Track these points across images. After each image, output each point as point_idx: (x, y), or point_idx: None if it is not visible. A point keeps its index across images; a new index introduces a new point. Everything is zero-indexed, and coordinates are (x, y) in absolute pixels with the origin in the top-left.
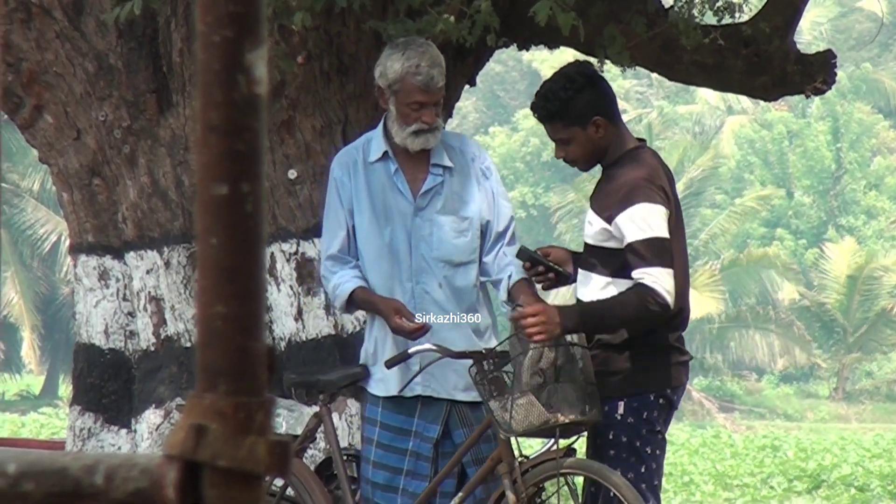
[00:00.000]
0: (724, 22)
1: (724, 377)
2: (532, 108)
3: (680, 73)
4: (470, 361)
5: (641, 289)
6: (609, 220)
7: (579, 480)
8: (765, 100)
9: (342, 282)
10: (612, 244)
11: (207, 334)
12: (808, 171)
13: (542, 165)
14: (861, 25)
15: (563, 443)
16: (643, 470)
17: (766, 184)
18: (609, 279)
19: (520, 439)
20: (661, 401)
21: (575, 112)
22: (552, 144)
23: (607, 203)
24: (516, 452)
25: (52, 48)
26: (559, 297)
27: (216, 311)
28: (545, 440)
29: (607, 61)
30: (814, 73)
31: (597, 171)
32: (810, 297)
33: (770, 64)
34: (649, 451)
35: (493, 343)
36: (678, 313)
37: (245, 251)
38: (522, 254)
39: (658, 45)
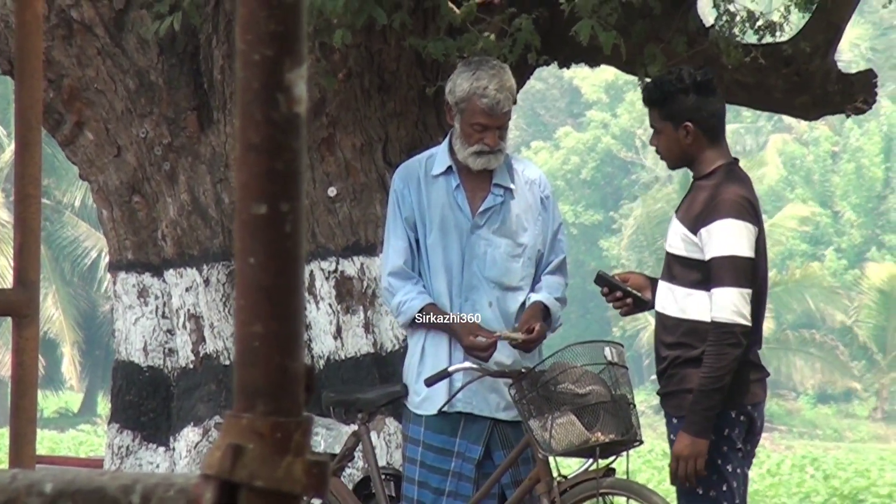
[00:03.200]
0: (764, 41)
1: None
2: (642, 89)
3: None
4: (510, 381)
5: (717, 332)
6: (695, 230)
7: (619, 501)
8: (805, 119)
9: (408, 298)
10: (695, 255)
11: (245, 353)
12: (854, 190)
13: (582, 183)
14: None
15: (602, 463)
16: (724, 488)
17: (807, 201)
18: (689, 290)
19: (559, 459)
20: (741, 417)
21: (671, 108)
22: (592, 163)
23: (695, 213)
24: (555, 472)
25: (94, 65)
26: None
27: (254, 330)
28: (584, 460)
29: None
30: (854, 93)
31: (630, 190)
32: (849, 317)
33: (811, 83)
34: (730, 469)
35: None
36: (756, 330)
37: (284, 271)
38: (600, 279)
39: (699, 63)
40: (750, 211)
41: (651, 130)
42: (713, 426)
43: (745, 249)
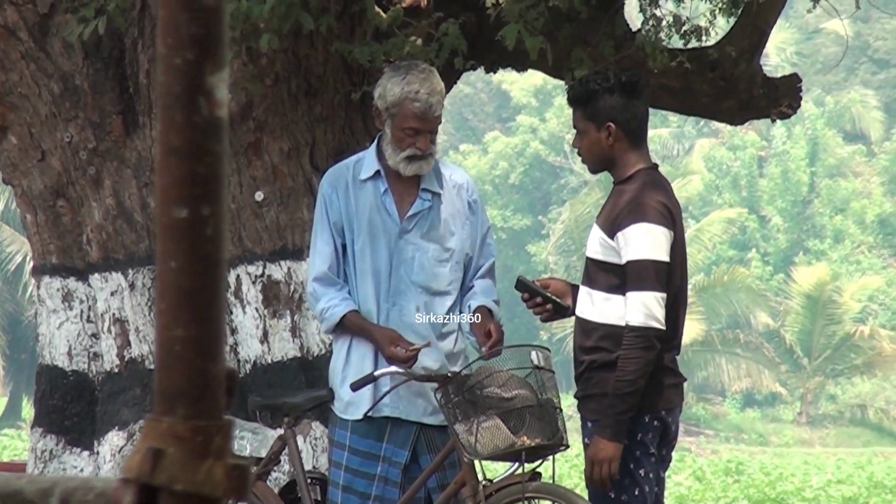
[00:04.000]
0: (690, 45)
1: (688, 401)
2: (566, 89)
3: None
4: (435, 385)
5: (631, 336)
6: (612, 234)
7: None
8: (731, 123)
9: (332, 305)
10: (612, 259)
11: (166, 357)
12: (780, 195)
13: (510, 188)
14: (827, 49)
15: (528, 467)
16: (637, 493)
17: (734, 206)
18: (607, 294)
19: (485, 463)
20: (655, 422)
21: (594, 107)
22: (521, 168)
23: (612, 218)
24: (480, 476)
25: (17, 69)
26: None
27: (175, 334)
28: (510, 464)
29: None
30: (780, 97)
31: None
32: (776, 321)
33: (736, 88)
34: (643, 473)
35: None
36: (672, 336)
37: (205, 274)
38: (520, 285)
39: (625, 68)
40: (667, 216)
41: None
42: (627, 430)
43: (661, 254)
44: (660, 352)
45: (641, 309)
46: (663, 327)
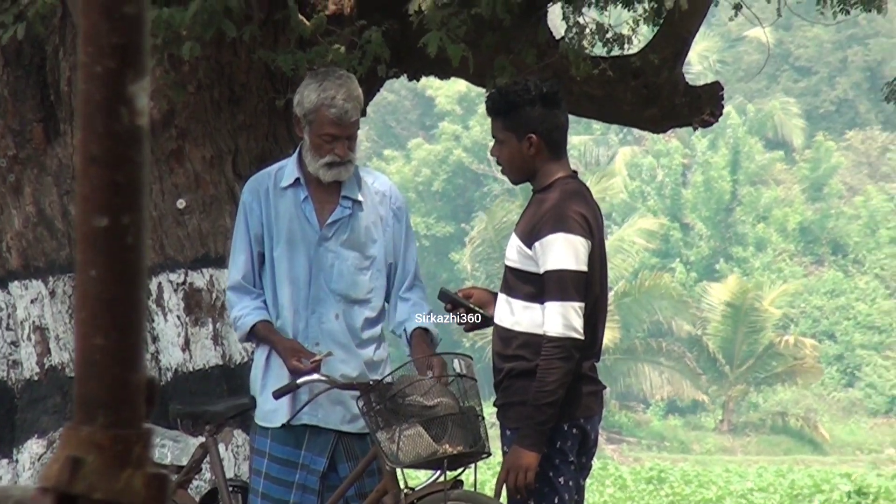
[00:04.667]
0: (613, 53)
1: (611, 408)
2: (486, 99)
3: (570, 105)
4: (357, 393)
5: (549, 346)
6: (529, 244)
7: None
8: (654, 131)
9: (244, 314)
10: (530, 268)
11: (86, 366)
12: (703, 203)
13: (433, 195)
14: (749, 57)
15: (450, 475)
16: (556, 500)
17: (657, 213)
18: (526, 303)
19: (406, 471)
20: (574, 430)
21: (516, 119)
22: (444, 175)
23: (530, 227)
24: (402, 484)
25: None
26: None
27: (95, 342)
28: (431, 472)
29: None
30: (702, 106)
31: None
32: (698, 328)
33: (659, 96)
34: (562, 482)
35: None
36: (591, 344)
37: (125, 283)
38: (443, 296)
39: (548, 75)
40: (584, 225)
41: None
42: (546, 439)
43: (579, 264)
44: (579, 360)
45: (560, 319)
46: (582, 337)
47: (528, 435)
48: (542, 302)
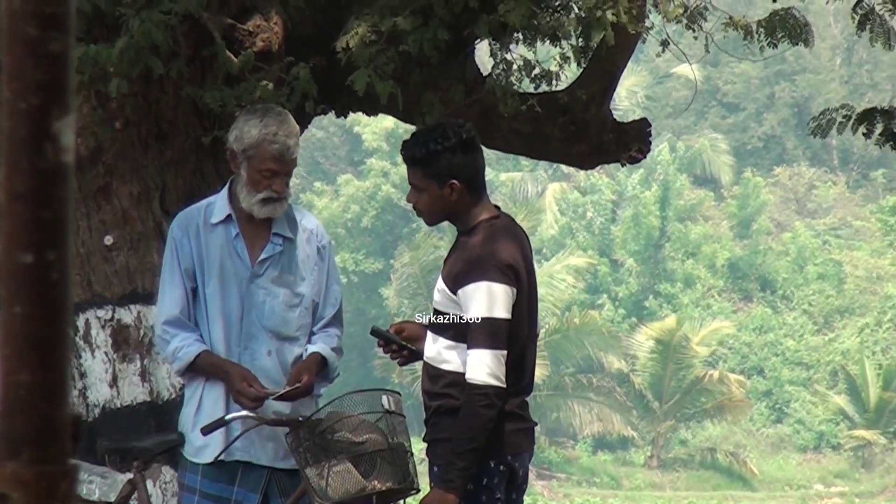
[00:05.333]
0: (541, 89)
1: (540, 444)
2: (401, 147)
3: (498, 141)
4: (286, 429)
5: (470, 393)
6: (454, 290)
7: None
8: (582, 168)
9: (185, 345)
10: (455, 311)
11: (11, 402)
12: (632, 239)
13: (362, 231)
14: (678, 93)
15: None
16: None
17: (587, 250)
18: (452, 343)
19: None
20: (501, 467)
21: (436, 167)
22: (373, 211)
23: (455, 272)
24: None
25: None
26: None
27: (20, 379)
28: None
29: None
30: (629, 142)
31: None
32: (628, 365)
33: (587, 132)
34: None
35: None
36: (520, 380)
37: (50, 320)
38: (375, 333)
39: (477, 112)
40: (506, 272)
41: None
42: (472, 476)
43: (501, 311)
44: (507, 398)
45: (482, 368)
46: (503, 385)
47: (449, 479)
48: (467, 345)
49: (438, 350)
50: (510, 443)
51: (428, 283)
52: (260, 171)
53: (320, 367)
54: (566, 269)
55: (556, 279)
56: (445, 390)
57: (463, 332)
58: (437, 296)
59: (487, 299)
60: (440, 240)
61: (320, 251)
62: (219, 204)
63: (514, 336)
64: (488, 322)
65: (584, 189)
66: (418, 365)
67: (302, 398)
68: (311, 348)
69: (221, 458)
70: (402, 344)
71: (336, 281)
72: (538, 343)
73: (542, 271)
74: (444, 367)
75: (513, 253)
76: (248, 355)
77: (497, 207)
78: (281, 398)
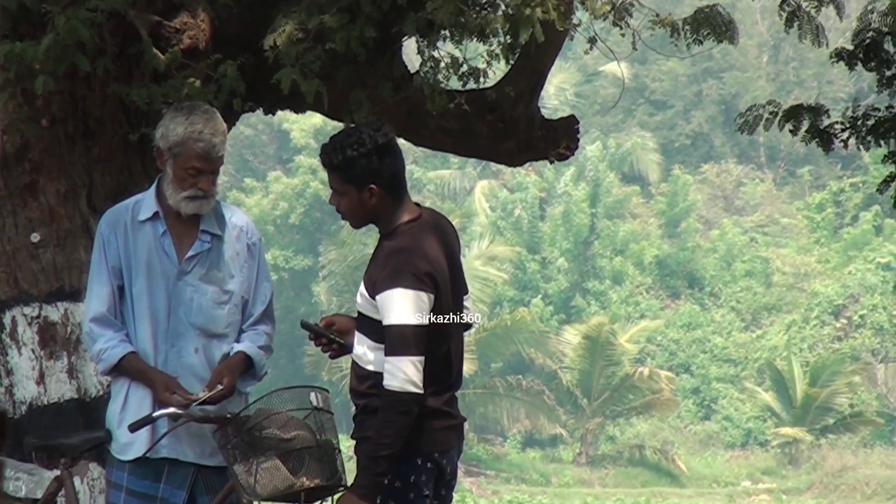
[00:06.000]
0: (469, 87)
1: (469, 441)
2: (320, 152)
3: (426, 139)
4: (214, 426)
5: (387, 400)
6: (373, 295)
7: None
8: (510, 165)
9: (109, 346)
10: (375, 315)
11: None
12: (562, 236)
13: (291, 228)
14: (605, 90)
15: None
16: None
17: (516, 247)
18: (376, 344)
19: None
20: (428, 464)
21: (354, 172)
22: (301, 208)
23: (374, 279)
24: None
25: None
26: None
27: None
28: None
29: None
30: (558, 139)
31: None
32: (556, 362)
33: (515, 129)
34: None
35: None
36: (446, 377)
37: None
38: (305, 326)
39: (405, 109)
40: (423, 278)
41: None
42: (399, 474)
43: (418, 317)
44: (433, 394)
45: (398, 374)
46: (420, 391)
47: (364, 485)
48: (384, 351)
49: (364, 350)
50: (438, 440)
51: (355, 280)
52: (186, 169)
53: (246, 366)
54: (495, 266)
55: (485, 277)
56: (370, 390)
57: (382, 338)
58: (359, 299)
59: (402, 305)
60: (367, 237)
61: (250, 248)
62: (147, 201)
63: (439, 336)
64: (404, 328)
65: (513, 187)
66: (347, 362)
67: (220, 401)
68: (237, 347)
69: (148, 455)
70: (331, 338)
71: (266, 278)
72: (466, 340)
73: (470, 268)
74: (370, 367)
75: (432, 255)
76: (174, 353)
77: (418, 205)
78: (203, 403)
